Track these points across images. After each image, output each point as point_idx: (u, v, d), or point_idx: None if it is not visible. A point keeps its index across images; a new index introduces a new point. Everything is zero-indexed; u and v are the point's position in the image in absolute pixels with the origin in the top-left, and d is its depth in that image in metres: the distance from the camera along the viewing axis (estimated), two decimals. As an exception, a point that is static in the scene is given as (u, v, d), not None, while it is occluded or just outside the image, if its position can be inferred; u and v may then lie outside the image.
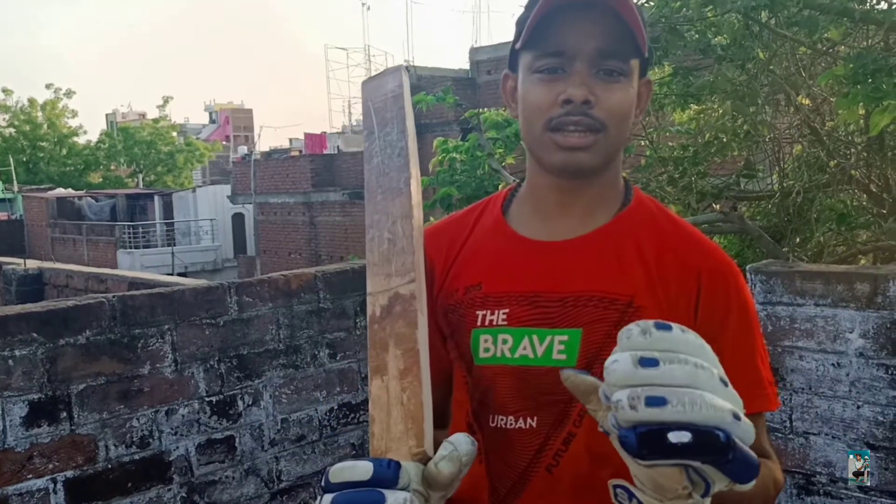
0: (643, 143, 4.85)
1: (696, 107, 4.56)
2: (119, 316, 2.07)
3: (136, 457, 2.10)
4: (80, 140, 37.72)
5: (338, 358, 2.50)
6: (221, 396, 2.26)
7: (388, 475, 0.75)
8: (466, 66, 16.62)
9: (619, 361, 0.67)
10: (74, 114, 37.45)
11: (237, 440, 2.29)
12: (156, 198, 27.92)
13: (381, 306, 0.95)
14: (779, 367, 2.24)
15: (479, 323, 1.05)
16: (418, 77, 15.84)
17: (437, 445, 0.80)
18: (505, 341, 1.03)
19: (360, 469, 0.75)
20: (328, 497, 0.74)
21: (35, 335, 1.93)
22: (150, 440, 2.12)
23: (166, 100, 42.29)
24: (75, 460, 1.99)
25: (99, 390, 2.03)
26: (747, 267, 2.35)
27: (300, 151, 26.25)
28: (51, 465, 1.95)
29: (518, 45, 1.03)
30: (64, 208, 27.44)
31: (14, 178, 31.72)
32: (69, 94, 36.61)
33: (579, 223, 1.06)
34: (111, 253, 23.04)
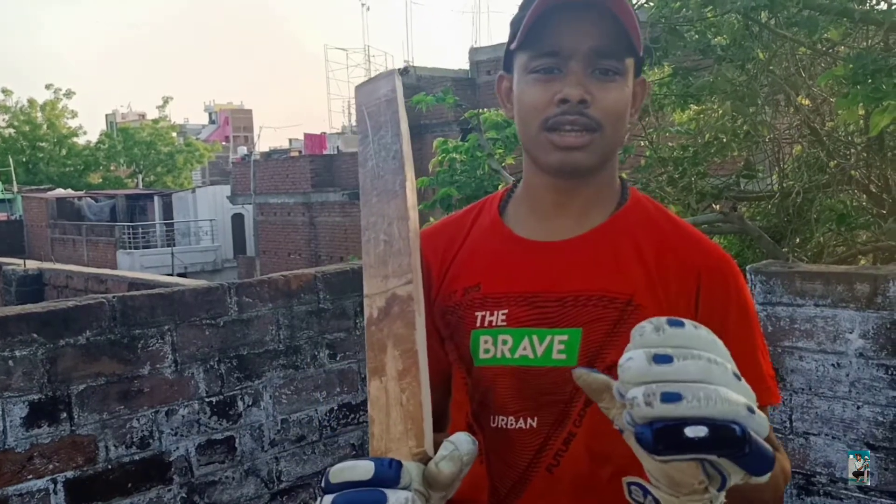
0: (643, 144, 4.86)
1: (695, 107, 4.56)
2: (119, 316, 2.07)
3: (137, 457, 2.10)
4: (80, 140, 37.77)
5: (338, 358, 2.50)
6: (221, 397, 2.26)
7: (389, 475, 0.74)
8: (466, 66, 16.64)
9: (633, 359, 0.67)
10: (74, 114, 37.46)
11: (237, 441, 2.29)
12: (155, 198, 27.92)
13: (378, 308, 0.95)
14: (779, 368, 2.24)
15: (478, 324, 1.05)
16: (418, 77, 15.83)
17: (436, 448, 0.80)
18: (505, 342, 1.03)
19: (361, 469, 0.74)
20: (328, 498, 0.73)
21: (35, 336, 1.93)
22: (151, 441, 2.12)
23: (166, 100, 42.45)
24: (75, 461, 1.99)
25: (99, 391, 2.03)
26: (747, 267, 2.35)
27: (300, 152, 26.24)
28: (51, 466, 1.95)
29: (513, 46, 1.03)
30: (63, 209, 27.44)
31: (14, 178, 31.71)
32: (69, 94, 36.64)
33: (576, 223, 1.06)
34: (111, 253, 23.04)
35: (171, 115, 45.59)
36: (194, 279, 15.82)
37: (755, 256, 4.05)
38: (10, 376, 1.89)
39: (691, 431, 0.64)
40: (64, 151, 36.25)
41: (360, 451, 2.54)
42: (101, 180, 36.88)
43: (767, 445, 0.67)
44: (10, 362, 1.89)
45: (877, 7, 3.62)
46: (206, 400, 2.23)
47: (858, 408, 2.12)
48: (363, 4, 25.15)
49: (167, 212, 26.64)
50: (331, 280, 2.49)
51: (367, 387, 0.90)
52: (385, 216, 1.03)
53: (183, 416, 2.18)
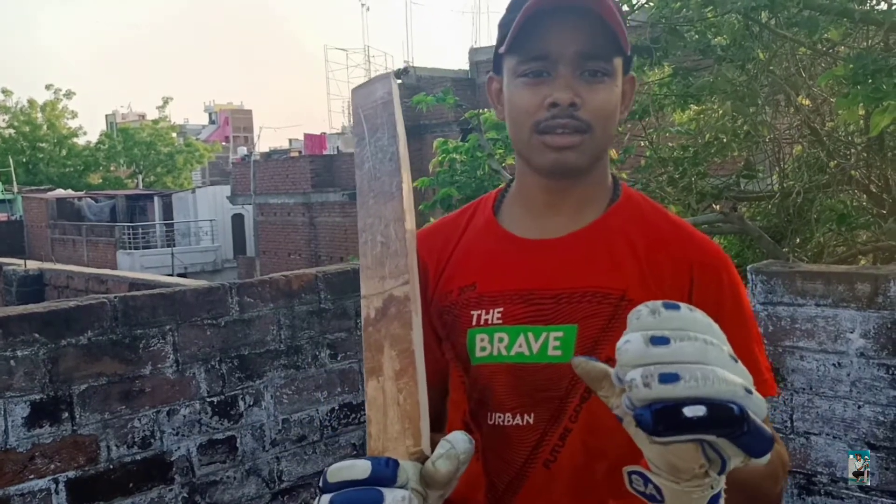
0: (643, 144, 4.86)
1: (696, 107, 4.57)
2: (120, 316, 2.07)
3: (138, 457, 2.10)
4: (80, 141, 37.74)
5: (339, 358, 2.51)
6: (223, 397, 2.26)
7: (386, 474, 0.75)
8: (466, 66, 16.64)
9: (630, 342, 0.68)
10: (74, 115, 37.42)
11: (238, 440, 2.29)
12: (155, 199, 27.92)
13: (375, 308, 0.96)
14: (780, 368, 2.24)
15: (474, 323, 1.06)
16: (418, 78, 15.84)
17: (433, 447, 0.81)
18: (501, 340, 1.04)
19: (359, 468, 0.75)
20: (326, 497, 0.74)
21: (37, 336, 1.93)
22: (152, 440, 2.12)
23: (166, 100, 42.27)
24: (77, 461, 1.99)
25: (100, 391, 2.03)
26: (748, 267, 2.35)
27: (300, 152, 26.23)
28: (52, 466, 1.95)
29: (502, 50, 1.04)
30: (64, 209, 27.44)
31: (14, 178, 31.70)
32: (69, 94, 36.63)
33: (570, 220, 1.07)
34: (111, 254, 23.04)
35: (171, 115, 45.51)
36: (194, 279, 15.82)
37: (755, 256, 4.06)
38: (12, 376, 1.89)
39: (690, 411, 0.64)
40: (64, 152, 36.24)
41: (361, 451, 2.54)
42: (101, 181, 36.86)
43: (765, 426, 0.68)
44: (12, 362, 1.89)
45: (877, 7, 3.62)
46: (208, 400, 2.23)
47: (859, 407, 2.12)
48: (363, 4, 25.14)
49: (167, 212, 26.64)
50: (332, 280, 2.49)
51: (365, 387, 0.91)
52: (382, 218, 1.04)
53: (184, 416, 2.18)
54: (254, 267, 19.61)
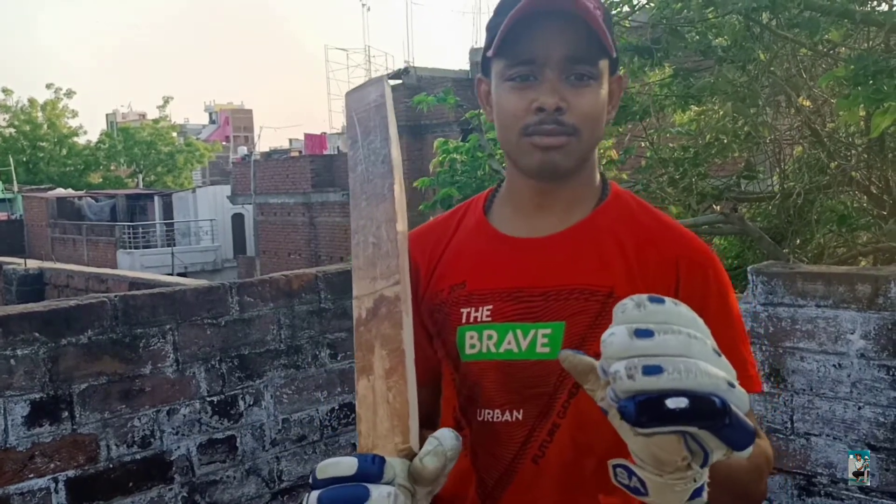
0: (644, 145, 4.86)
1: (696, 108, 4.57)
2: (121, 316, 2.07)
3: (138, 456, 2.10)
4: (80, 140, 37.72)
5: (339, 358, 2.50)
6: (223, 396, 2.26)
7: (372, 470, 0.77)
8: (466, 66, 16.64)
9: (615, 334, 0.68)
10: (74, 114, 37.45)
11: (238, 440, 2.29)
12: (156, 198, 27.91)
13: (367, 309, 0.98)
14: (780, 368, 2.24)
15: (464, 320, 1.07)
16: (418, 78, 15.84)
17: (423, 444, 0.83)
18: (490, 337, 1.05)
19: (345, 465, 0.77)
20: (315, 493, 0.77)
21: (37, 335, 1.93)
22: (152, 440, 2.12)
23: (166, 100, 42.18)
24: (77, 460, 1.99)
25: (100, 390, 2.03)
26: (748, 268, 2.35)
27: (300, 152, 26.25)
28: (52, 465, 1.95)
29: (490, 54, 1.06)
30: (64, 208, 27.44)
31: (14, 178, 31.70)
32: (69, 94, 36.61)
33: (559, 220, 1.09)
34: (111, 253, 23.04)
35: (172, 115, 45.54)
36: (194, 279, 15.82)
37: (755, 257, 4.06)
38: (12, 375, 1.89)
39: (672, 403, 0.64)
40: (64, 151, 36.23)
41: (360, 451, 2.54)
42: (101, 180, 36.87)
43: (748, 420, 0.68)
44: (12, 361, 1.89)
45: (878, 8, 3.62)
46: (208, 399, 2.23)
47: (860, 408, 2.12)
48: (363, 5, 25.08)
49: (167, 212, 26.64)
50: (332, 280, 2.49)
51: (356, 386, 0.93)
52: (374, 219, 1.05)
53: (184, 416, 2.18)
54: (254, 267, 19.62)
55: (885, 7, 3.66)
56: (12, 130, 35.20)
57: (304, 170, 19.71)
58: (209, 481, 2.23)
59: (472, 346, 1.06)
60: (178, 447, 2.17)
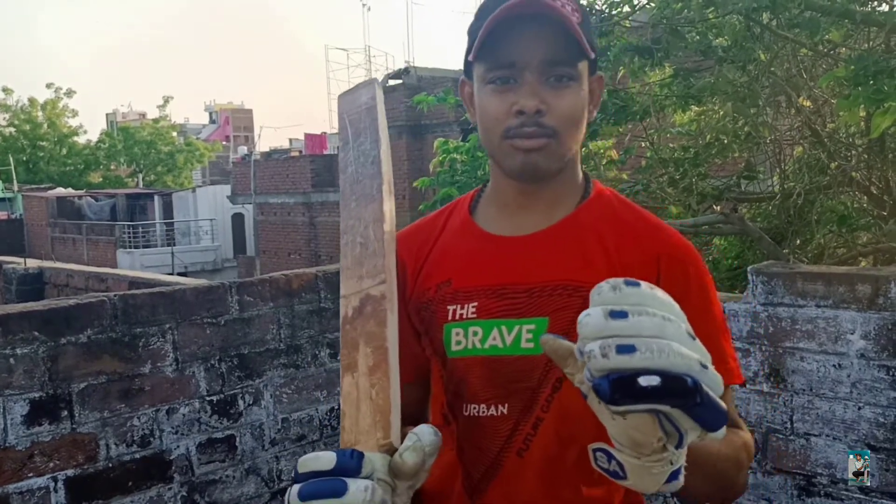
0: (644, 145, 4.86)
1: (696, 108, 4.57)
2: (120, 315, 2.07)
3: (137, 455, 2.10)
4: (81, 140, 37.70)
5: (338, 357, 2.50)
6: (222, 396, 2.26)
7: (350, 464, 0.80)
8: (467, 66, 16.59)
9: (590, 315, 0.70)
10: (75, 113, 37.46)
11: (238, 439, 2.29)
12: (156, 198, 27.90)
13: (353, 307, 1.00)
14: (780, 369, 2.24)
15: (450, 317, 1.09)
16: (418, 78, 15.84)
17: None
18: (475, 333, 1.07)
19: (324, 459, 0.81)
20: (295, 487, 0.81)
21: (36, 334, 1.93)
22: (151, 439, 2.12)
23: (166, 100, 42.21)
24: (76, 459, 1.99)
25: (100, 389, 2.03)
26: (748, 268, 2.35)
27: (300, 152, 26.27)
28: (51, 464, 1.95)
29: (471, 58, 1.08)
30: (64, 208, 27.44)
31: (14, 177, 31.71)
32: (69, 93, 36.60)
33: (542, 218, 1.11)
34: (111, 252, 23.04)
35: (172, 114, 45.61)
36: (194, 278, 15.81)
37: (755, 257, 4.06)
38: (12, 374, 1.89)
39: (645, 381, 0.66)
40: (64, 150, 36.22)
41: (360, 451, 2.54)
42: (101, 179, 36.86)
43: (720, 400, 0.70)
44: (12, 360, 1.89)
45: (878, 9, 3.62)
46: (207, 399, 2.23)
47: (859, 409, 2.12)
48: (363, 4, 25.06)
49: (167, 211, 26.63)
50: (332, 279, 2.49)
51: (341, 382, 0.94)
52: (362, 219, 1.07)
53: (184, 415, 2.18)
54: (254, 266, 19.61)
55: (885, 7, 3.66)
56: (12, 130, 35.19)
57: (304, 169, 19.72)
58: (208, 481, 2.23)
59: (458, 343, 1.08)
60: (178, 446, 2.17)
